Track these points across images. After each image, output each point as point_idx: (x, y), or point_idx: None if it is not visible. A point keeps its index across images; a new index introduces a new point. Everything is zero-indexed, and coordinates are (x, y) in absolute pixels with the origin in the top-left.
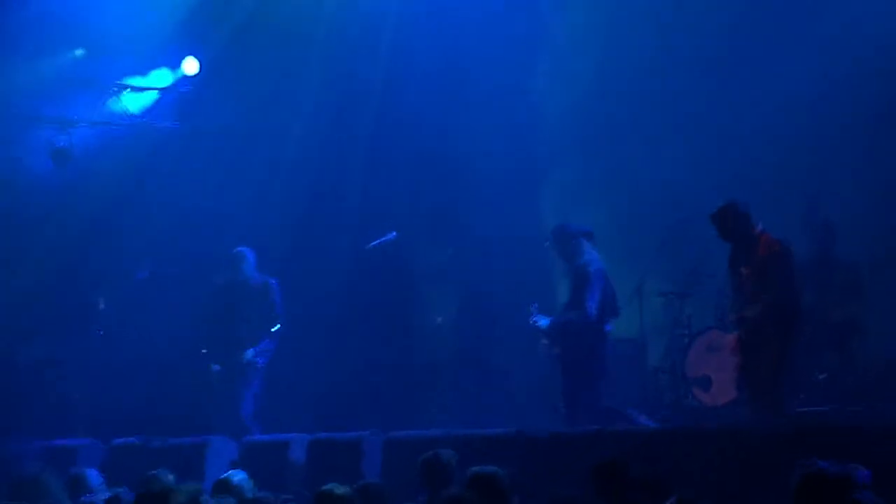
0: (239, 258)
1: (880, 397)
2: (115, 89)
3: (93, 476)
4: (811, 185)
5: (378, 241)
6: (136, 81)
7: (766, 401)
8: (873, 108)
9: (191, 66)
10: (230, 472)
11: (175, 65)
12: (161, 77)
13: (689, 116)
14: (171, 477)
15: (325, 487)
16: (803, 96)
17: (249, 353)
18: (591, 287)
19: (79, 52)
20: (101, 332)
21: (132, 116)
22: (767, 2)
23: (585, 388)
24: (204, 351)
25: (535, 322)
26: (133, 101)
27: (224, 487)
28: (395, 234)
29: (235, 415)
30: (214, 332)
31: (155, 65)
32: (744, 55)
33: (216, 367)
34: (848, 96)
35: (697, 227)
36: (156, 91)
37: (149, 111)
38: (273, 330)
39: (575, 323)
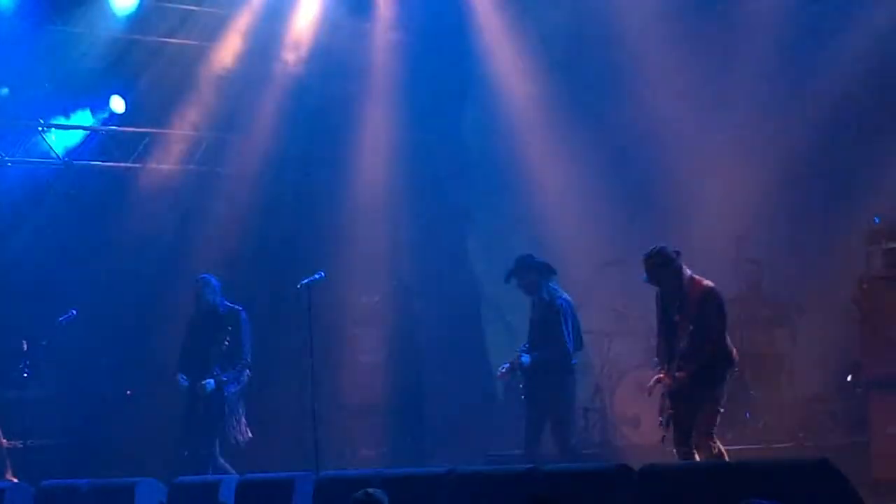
0: (202, 285)
1: (806, 434)
2: (41, 128)
3: None
4: (740, 223)
5: (307, 280)
6: (62, 120)
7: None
8: (806, 144)
9: (117, 104)
10: None
11: (102, 104)
12: (87, 116)
13: (616, 151)
14: None
15: None
16: (725, 138)
17: (210, 383)
18: (565, 320)
19: (3, 90)
20: (26, 374)
21: (58, 155)
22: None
23: (561, 424)
24: (129, 392)
25: (520, 359)
26: (59, 140)
27: None
28: (322, 273)
29: (197, 449)
30: (189, 361)
31: (81, 104)
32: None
33: (183, 382)
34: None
35: (625, 266)
36: (82, 130)
37: (75, 150)
38: (241, 360)
39: (550, 360)
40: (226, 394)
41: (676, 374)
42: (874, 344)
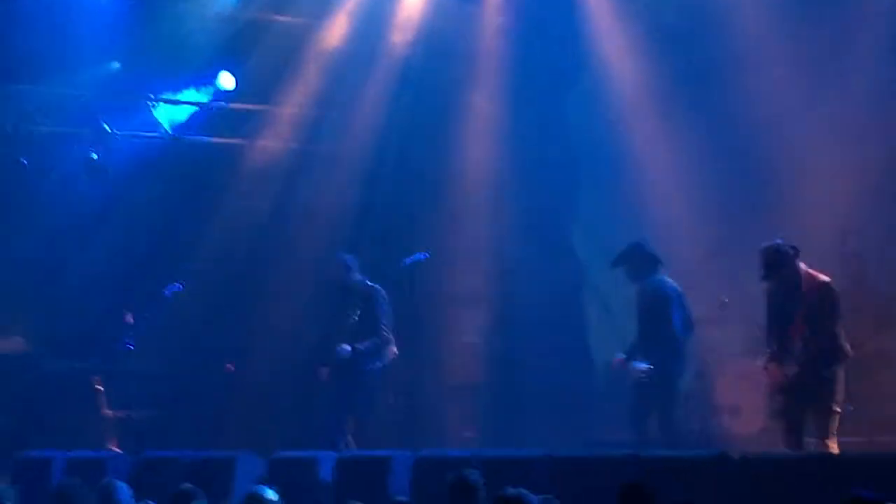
0: (340, 263)
1: None
2: (151, 103)
3: (122, 489)
4: (843, 215)
5: (411, 259)
6: (172, 96)
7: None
8: None
9: (227, 81)
10: (259, 486)
11: (211, 80)
12: (197, 92)
13: (723, 140)
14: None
15: None
16: (831, 127)
17: (345, 349)
18: (672, 307)
19: (115, 64)
20: (131, 347)
21: (167, 130)
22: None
23: (665, 410)
24: (230, 366)
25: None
26: (168, 115)
27: (254, 502)
28: (426, 254)
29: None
30: (326, 337)
31: (190, 80)
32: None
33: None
34: (875, 126)
35: (726, 256)
36: (191, 106)
37: (184, 126)
38: (377, 335)
39: (657, 349)
40: (364, 368)
41: (788, 369)
42: None
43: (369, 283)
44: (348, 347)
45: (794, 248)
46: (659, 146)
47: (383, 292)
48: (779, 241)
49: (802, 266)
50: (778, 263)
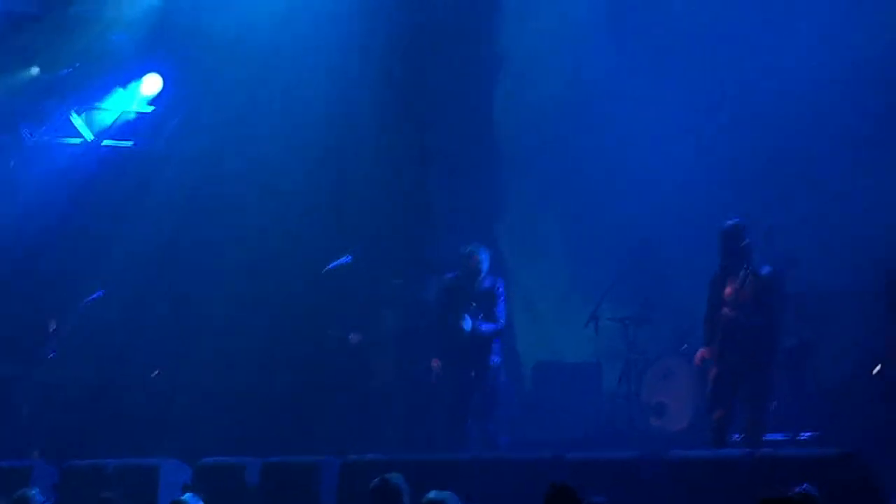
0: (470, 256)
1: (832, 422)
2: (72, 108)
3: (35, 496)
4: (768, 215)
5: (335, 263)
6: (94, 101)
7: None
8: (829, 139)
9: (153, 83)
10: (184, 495)
11: (136, 84)
12: (121, 96)
13: (645, 146)
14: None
15: None
16: (764, 127)
17: (467, 321)
18: (781, 290)
19: (34, 70)
20: (53, 354)
21: (88, 136)
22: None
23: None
24: (155, 373)
25: None
26: (91, 121)
27: None
28: (350, 257)
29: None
30: (442, 330)
31: (115, 84)
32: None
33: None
34: (808, 123)
35: (654, 254)
36: (115, 111)
37: (106, 131)
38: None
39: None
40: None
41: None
42: None
43: (494, 278)
44: (469, 321)
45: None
46: (585, 139)
47: (503, 287)
48: (741, 219)
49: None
50: (734, 238)
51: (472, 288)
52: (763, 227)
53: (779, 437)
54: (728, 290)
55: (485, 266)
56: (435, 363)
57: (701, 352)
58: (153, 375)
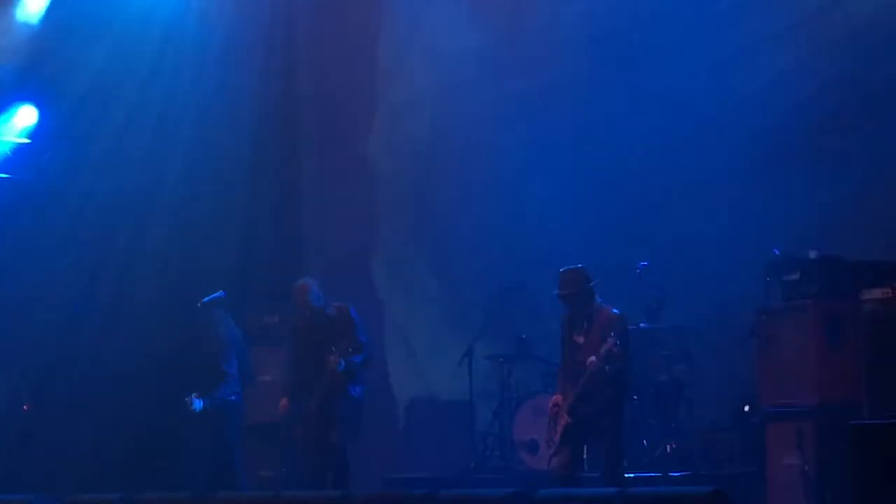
0: (305, 290)
1: (703, 462)
2: None
3: None
4: (640, 255)
5: (209, 297)
6: None
7: (613, 472)
8: (696, 174)
9: (27, 115)
10: None
11: (11, 114)
12: None
13: (515, 185)
14: None
15: None
16: (635, 166)
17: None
18: (627, 334)
19: None
20: None
21: None
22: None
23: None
24: (25, 407)
25: None
26: None
27: None
28: (223, 292)
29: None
30: (304, 373)
31: None
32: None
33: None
34: (674, 165)
35: (526, 293)
36: None
37: None
38: (359, 358)
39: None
40: (352, 394)
41: (577, 399)
42: (771, 375)
43: (339, 304)
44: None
45: (594, 278)
46: (450, 174)
47: (354, 309)
48: (581, 265)
49: (597, 297)
50: (576, 284)
51: (321, 320)
52: (635, 266)
53: (650, 475)
54: (577, 335)
55: (318, 296)
56: (283, 403)
57: (553, 398)
58: (24, 409)
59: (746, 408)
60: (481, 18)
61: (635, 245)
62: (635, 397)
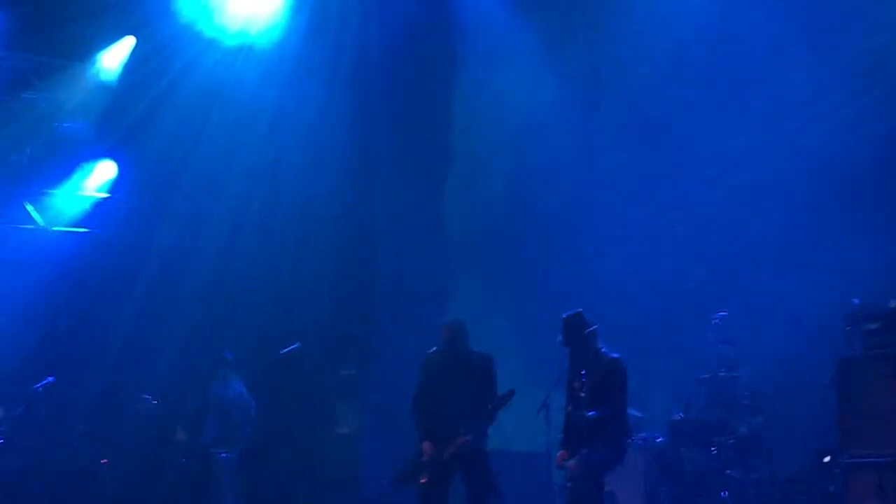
0: (457, 328)
1: None
2: (25, 195)
3: None
4: (721, 306)
5: (285, 350)
6: (47, 187)
7: None
8: (775, 224)
9: (106, 171)
10: None
11: (90, 169)
12: (76, 182)
13: (599, 227)
14: None
15: None
16: (712, 216)
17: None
18: (624, 383)
19: None
20: (1, 441)
21: (41, 222)
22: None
23: None
24: (104, 461)
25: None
26: (44, 207)
27: None
28: (299, 344)
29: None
30: (432, 409)
31: (68, 170)
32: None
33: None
34: (752, 215)
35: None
36: (68, 197)
37: (58, 216)
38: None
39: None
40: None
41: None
42: (851, 425)
43: (482, 352)
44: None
45: (593, 323)
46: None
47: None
48: (580, 309)
49: (600, 345)
50: (576, 329)
51: (464, 363)
52: (713, 317)
53: None
54: (576, 382)
55: (467, 339)
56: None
57: (560, 454)
58: (103, 463)
59: (827, 458)
60: (555, 65)
61: (713, 296)
62: (714, 448)
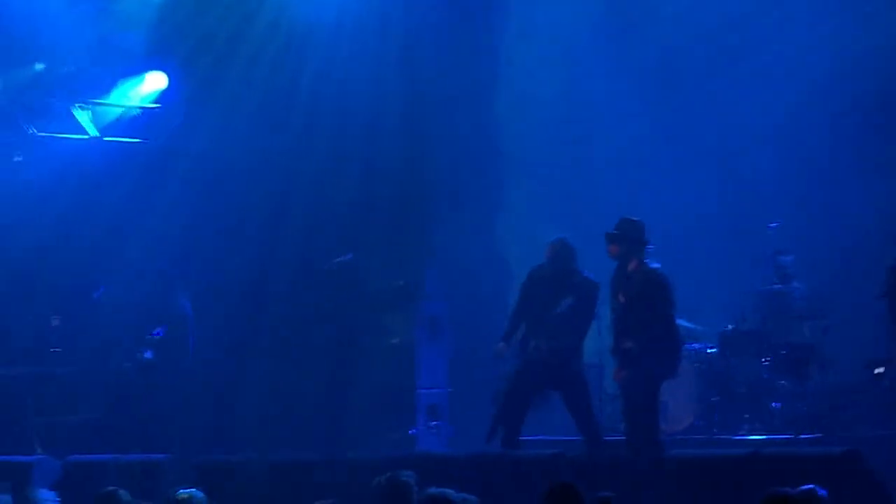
0: (559, 248)
1: (834, 425)
2: (77, 104)
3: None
4: (774, 213)
5: (336, 261)
6: (100, 96)
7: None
8: (833, 148)
9: (158, 81)
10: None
11: (140, 79)
12: (126, 92)
13: (650, 145)
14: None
15: None
16: (765, 136)
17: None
18: (668, 294)
19: (39, 66)
20: (57, 350)
21: (92, 132)
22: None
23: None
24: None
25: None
26: (96, 116)
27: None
28: (350, 255)
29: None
30: (527, 322)
31: (120, 79)
32: (709, 89)
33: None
34: (806, 134)
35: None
36: (120, 106)
37: (112, 126)
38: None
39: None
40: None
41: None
42: None
43: (589, 277)
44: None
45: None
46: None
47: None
48: (636, 218)
49: (645, 257)
50: (623, 235)
51: (568, 281)
52: (766, 226)
53: (781, 437)
54: (619, 294)
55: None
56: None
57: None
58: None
59: (879, 370)
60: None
61: (767, 206)
62: (766, 359)
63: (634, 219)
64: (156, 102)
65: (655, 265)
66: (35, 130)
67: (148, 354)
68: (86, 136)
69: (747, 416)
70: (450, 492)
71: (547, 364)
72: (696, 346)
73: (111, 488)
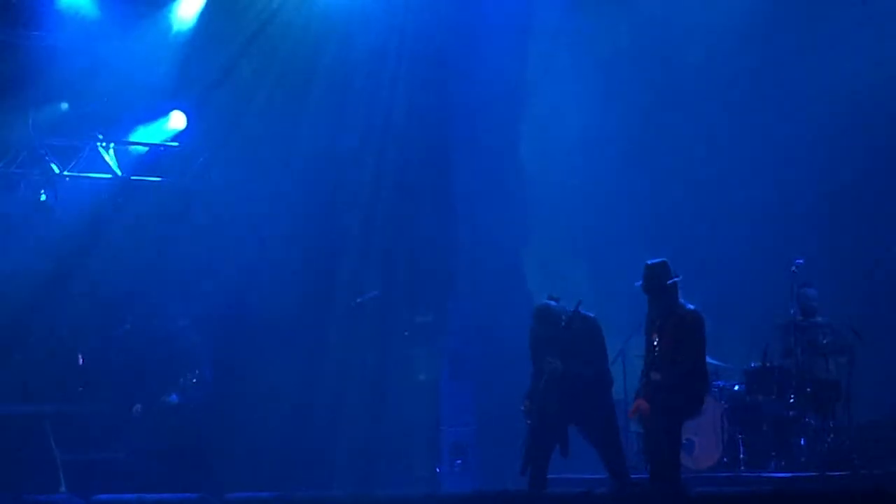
0: (547, 313)
1: (860, 461)
2: (100, 143)
3: None
4: (797, 251)
5: (363, 297)
6: (122, 135)
7: (662, 471)
8: (856, 177)
9: (178, 120)
10: None
11: (162, 119)
12: (147, 131)
13: (674, 179)
14: None
15: None
16: (787, 169)
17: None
18: (701, 335)
19: (63, 105)
20: (81, 388)
21: (116, 170)
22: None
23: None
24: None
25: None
26: (118, 155)
27: None
28: (378, 291)
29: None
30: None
31: (141, 119)
32: (730, 123)
33: None
34: (829, 168)
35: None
36: (142, 146)
37: (134, 165)
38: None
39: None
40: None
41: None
42: None
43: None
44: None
45: (677, 274)
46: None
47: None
48: (666, 259)
49: (679, 298)
50: (658, 277)
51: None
52: (791, 264)
53: (806, 475)
54: (654, 333)
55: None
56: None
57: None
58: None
59: None
60: None
61: (791, 243)
62: (792, 397)
63: (654, 262)
64: (175, 141)
65: (690, 307)
66: (61, 170)
67: (173, 398)
68: (109, 176)
69: (774, 453)
70: None
71: (570, 391)
72: (721, 383)
73: None
